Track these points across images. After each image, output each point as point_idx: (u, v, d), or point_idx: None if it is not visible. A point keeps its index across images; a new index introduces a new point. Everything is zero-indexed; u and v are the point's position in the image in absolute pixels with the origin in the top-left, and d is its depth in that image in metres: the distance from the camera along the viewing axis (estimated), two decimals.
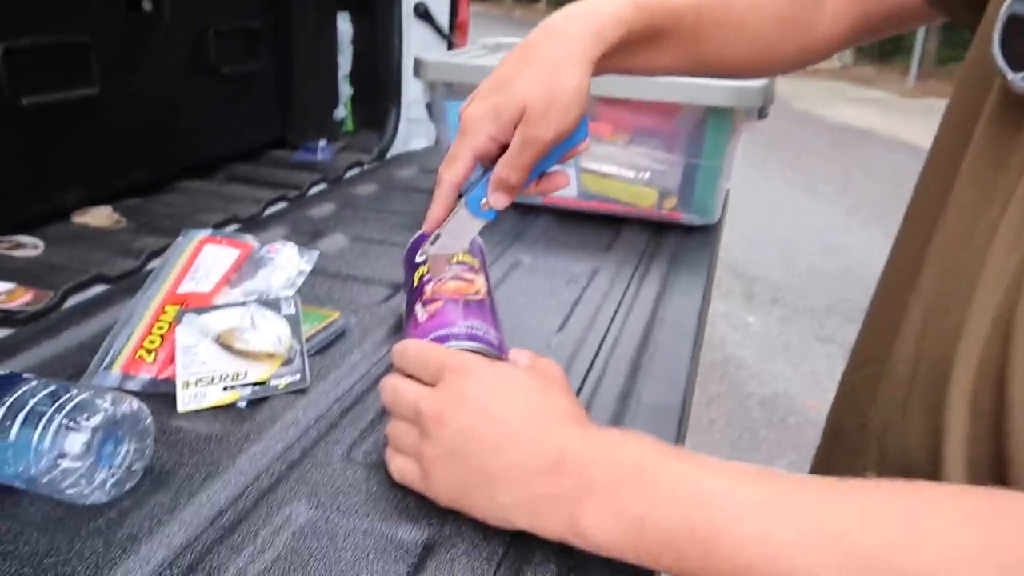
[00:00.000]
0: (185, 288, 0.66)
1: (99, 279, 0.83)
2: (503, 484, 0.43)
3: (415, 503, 0.47)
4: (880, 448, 0.47)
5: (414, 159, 1.40)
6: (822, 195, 4.67)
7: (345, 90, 1.56)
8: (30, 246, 0.92)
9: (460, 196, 0.56)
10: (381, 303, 0.77)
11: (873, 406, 0.48)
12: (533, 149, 0.52)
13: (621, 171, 1.03)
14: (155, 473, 0.50)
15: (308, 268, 0.70)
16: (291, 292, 0.68)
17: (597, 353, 0.69)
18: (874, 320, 0.54)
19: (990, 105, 0.43)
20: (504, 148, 0.53)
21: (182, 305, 0.65)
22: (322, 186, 1.24)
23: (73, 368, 0.63)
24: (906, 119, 6.94)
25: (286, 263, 0.70)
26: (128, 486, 0.48)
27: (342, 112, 1.57)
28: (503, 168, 0.53)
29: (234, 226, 1.02)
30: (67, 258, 0.89)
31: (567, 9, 0.55)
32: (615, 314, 0.76)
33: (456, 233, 0.57)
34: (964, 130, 0.45)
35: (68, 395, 0.46)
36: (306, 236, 0.96)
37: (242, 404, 0.59)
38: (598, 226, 1.03)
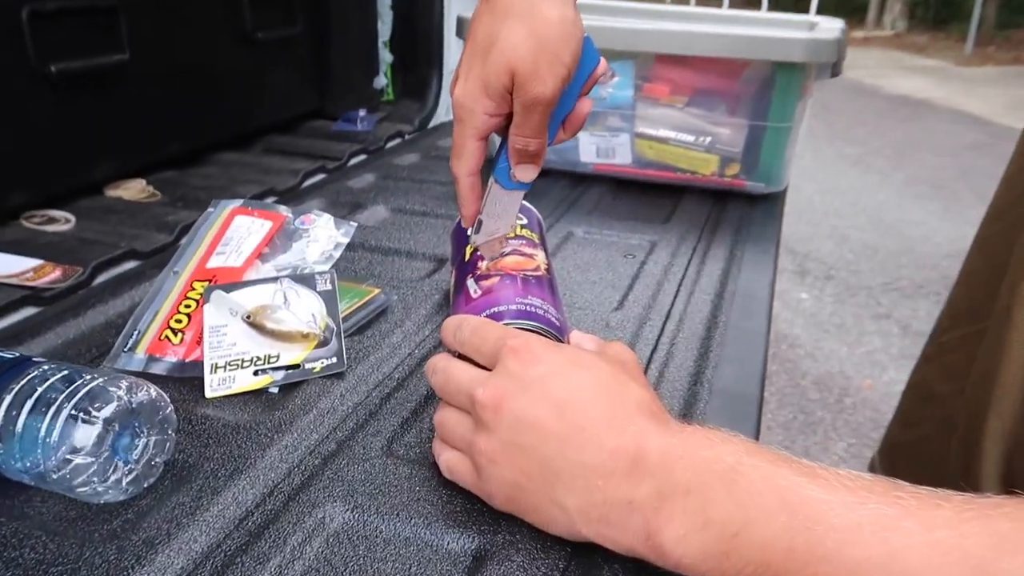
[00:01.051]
0: (214, 263, 0.62)
1: (131, 255, 0.79)
2: (569, 485, 0.37)
3: (465, 505, 0.42)
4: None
5: None
6: (876, 168, 4.49)
7: (385, 57, 1.50)
8: (62, 220, 0.89)
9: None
10: (425, 278, 0.72)
11: (972, 366, 0.42)
12: (538, 110, 0.47)
13: (679, 136, 0.96)
14: (177, 468, 0.45)
15: (346, 240, 0.65)
16: (327, 267, 0.62)
17: (661, 333, 0.62)
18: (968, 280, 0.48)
19: None
20: (509, 116, 0.48)
21: (211, 281, 0.60)
22: (362, 157, 1.19)
23: (98, 349, 0.59)
24: (964, 88, 6.65)
25: (322, 235, 0.65)
26: (148, 483, 0.43)
27: (383, 80, 1.51)
28: (514, 138, 0.48)
29: (271, 198, 0.97)
30: (99, 233, 0.85)
31: None
32: (678, 290, 0.70)
33: (497, 213, 0.52)
34: None
35: (80, 382, 0.42)
36: (345, 208, 0.91)
37: (274, 390, 0.54)
38: (655, 195, 0.96)
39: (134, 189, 0.99)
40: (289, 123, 1.34)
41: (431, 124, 1.42)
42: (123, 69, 0.95)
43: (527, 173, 0.50)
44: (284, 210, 0.67)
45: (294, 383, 0.54)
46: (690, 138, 0.95)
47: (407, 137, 1.32)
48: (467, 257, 0.57)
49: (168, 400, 0.45)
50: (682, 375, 0.56)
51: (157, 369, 0.55)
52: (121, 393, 0.41)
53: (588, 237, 0.83)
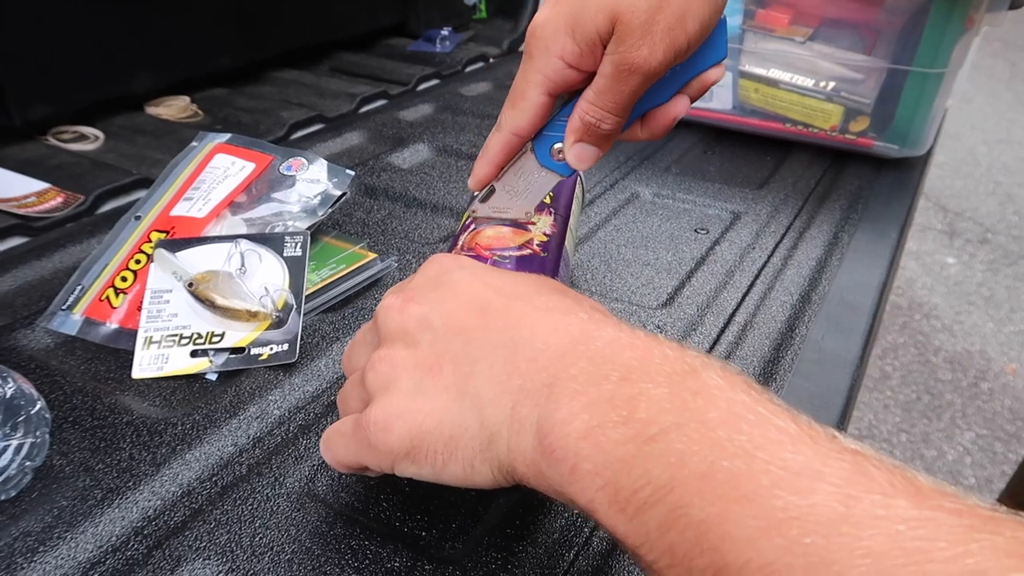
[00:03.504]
0: (179, 210, 0.52)
1: (141, 183, 0.71)
2: (487, 372, 0.27)
3: None
4: None
5: None
6: None
7: None
8: (91, 138, 0.83)
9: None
10: (442, 241, 0.60)
11: None
12: (631, 81, 0.35)
13: (796, 78, 0.77)
14: (51, 477, 0.36)
15: (336, 193, 0.54)
16: (306, 224, 0.52)
17: (712, 347, 0.48)
18: None
19: None
20: (590, 76, 0.36)
21: (168, 233, 0.50)
22: (434, 82, 1.06)
23: (47, 301, 0.51)
24: None
25: (309, 185, 0.53)
26: (7, 495, 0.35)
27: None
28: (587, 107, 0.36)
29: (317, 126, 0.87)
30: (121, 155, 0.78)
31: None
32: (752, 285, 0.54)
33: (517, 190, 0.40)
34: None
35: None
36: (386, 143, 0.80)
37: (212, 376, 0.44)
38: (754, 153, 0.79)
39: (176, 107, 0.91)
40: (366, 39, 1.23)
41: (521, 48, 1.27)
42: None
43: (583, 158, 0.38)
44: (273, 150, 0.56)
45: (236, 371, 0.44)
46: (809, 82, 0.76)
47: (491, 61, 1.18)
48: (459, 226, 0.45)
49: (36, 396, 0.36)
50: None
51: (91, 336, 0.47)
52: None
53: (657, 201, 0.68)
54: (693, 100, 0.39)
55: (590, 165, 0.38)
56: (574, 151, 0.38)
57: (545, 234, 0.43)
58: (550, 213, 0.45)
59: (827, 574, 0.18)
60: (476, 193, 0.41)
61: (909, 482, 0.19)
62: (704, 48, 0.36)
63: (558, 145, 0.38)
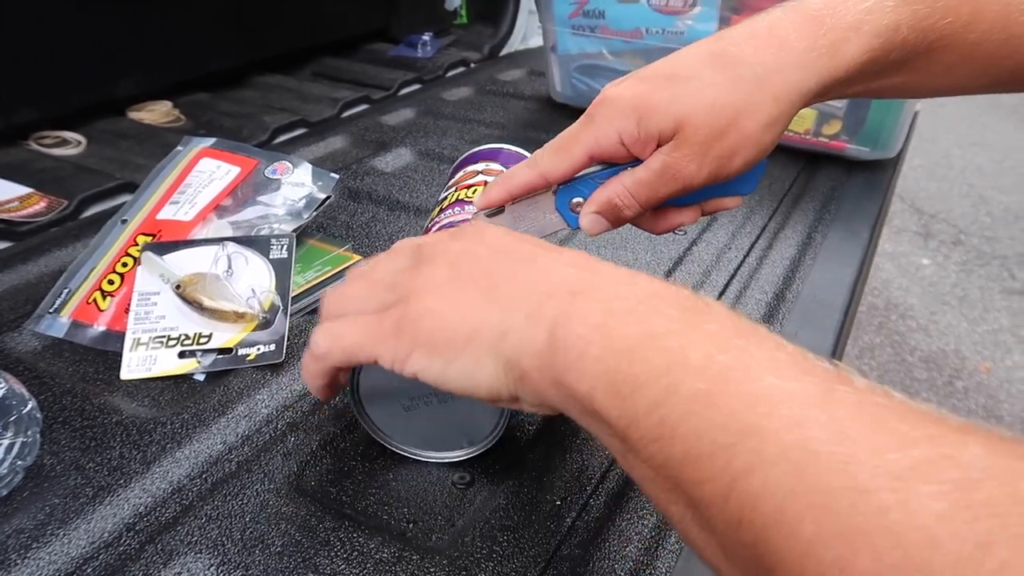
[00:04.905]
0: (165, 214, 0.53)
1: (125, 188, 0.72)
2: (507, 298, 0.30)
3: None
4: None
5: (526, 59, 1.19)
6: None
7: None
8: (73, 143, 0.83)
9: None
10: None
11: None
12: (670, 185, 0.37)
13: None
14: (42, 476, 0.37)
15: (321, 196, 0.55)
16: (292, 227, 0.52)
17: None
18: None
19: None
20: (633, 158, 0.38)
21: (155, 237, 0.51)
22: (415, 87, 1.07)
23: (33, 305, 0.52)
24: None
25: (294, 188, 0.54)
26: (1, 493, 0.36)
27: (456, 1, 1.38)
28: (621, 191, 0.38)
29: (300, 130, 0.88)
30: (103, 160, 0.78)
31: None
32: (727, 284, 0.56)
33: (525, 218, 0.41)
34: None
35: None
36: (368, 147, 0.81)
37: (199, 377, 0.45)
38: None
39: (158, 112, 0.92)
40: (348, 44, 1.23)
41: (503, 53, 1.28)
42: None
43: (594, 227, 0.40)
44: (258, 154, 0.57)
45: (223, 371, 0.45)
46: None
47: (472, 66, 1.19)
48: (427, 223, 0.47)
49: (28, 396, 0.37)
50: None
51: (79, 338, 0.47)
52: None
53: None
54: (703, 215, 0.42)
55: (596, 234, 0.40)
56: (589, 219, 0.39)
57: None
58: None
59: (795, 432, 0.20)
60: (482, 210, 0.42)
61: (848, 379, 0.22)
62: (737, 179, 0.38)
63: (578, 199, 0.39)
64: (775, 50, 0.36)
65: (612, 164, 0.39)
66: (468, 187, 0.48)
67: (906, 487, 0.18)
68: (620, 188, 0.38)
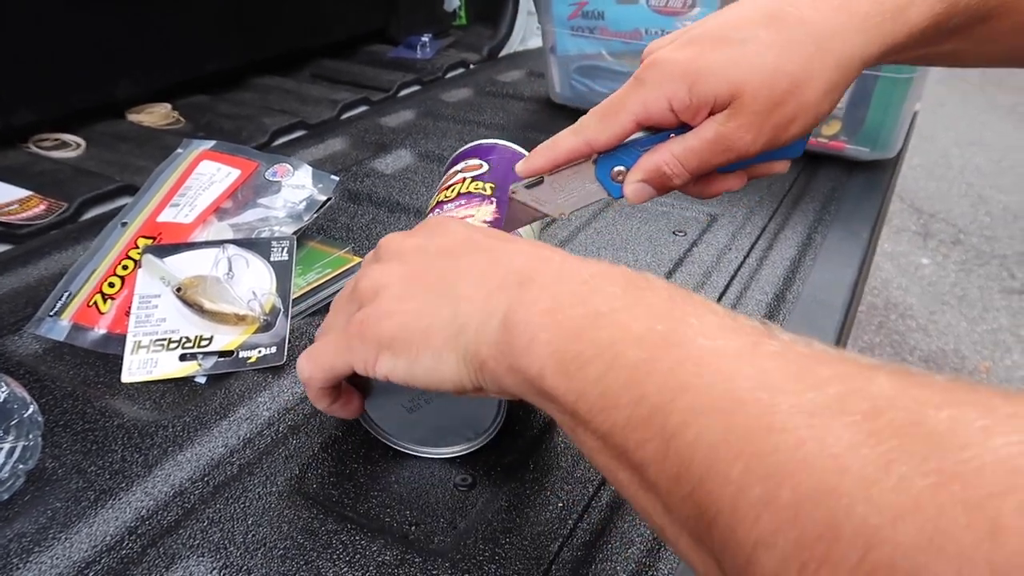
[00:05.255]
0: (166, 216, 0.53)
1: (125, 190, 0.72)
2: (467, 289, 0.30)
3: None
4: None
5: (525, 60, 1.19)
6: None
7: None
8: (72, 145, 0.83)
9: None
10: None
11: None
12: (723, 156, 0.36)
13: None
14: (43, 480, 0.37)
15: (322, 198, 0.55)
16: (292, 229, 0.52)
17: None
18: None
19: None
20: (682, 124, 0.36)
21: (155, 239, 0.51)
22: (414, 88, 1.07)
23: (34, 308, 0.52)
24: None
25: (294, 190, 0.54)
26: (3, 497, 0.36)
27: (455, 2, 1.38)
28: (670, 159, 0.36)
29: (299, 132, 0.88)
30: (103, 162, 0.78)
31: None
32: (728, 285, 0.56)
33: (565, 188, 0.40)
34: None
35: None
36: (368, 149, 0.81)
37: (200, 379, 0.45)
38: None
39: (157, 114, 0.92)
40: (347, 45, 1.23)
41: (502, 54, 1.28)
42: None
43: (640, 195, 0.38)
44: (258, 157, 0.57)
45: (225, 373, 0.45)
46: None
47: (472, 67, 1.19)
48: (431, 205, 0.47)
49: (29, 400, 0.37)
50: None
51: (80, 341, 0.47)
52: None
53: (634, 205, 0.69)
54: (750, 179, 0.40)
55: (641, 202, 0.39)
56: (635, 187, 0.38)
57: (485, 221, 0.44)
58: (491, 203, 0.46)
59: (724, 384, 0.21)
60: (525, 183, 0.40)
61: (773, 334, 0.23)
62: (789, 144, 0.37)
63: (620, 168, 0.38)
64: (836, 11, 0.34)
65: (656, 131, 0.37)
66: (460, 183, 0.48)
67: (821, 422, 0.19)
68: (669, 156, 0.36)
